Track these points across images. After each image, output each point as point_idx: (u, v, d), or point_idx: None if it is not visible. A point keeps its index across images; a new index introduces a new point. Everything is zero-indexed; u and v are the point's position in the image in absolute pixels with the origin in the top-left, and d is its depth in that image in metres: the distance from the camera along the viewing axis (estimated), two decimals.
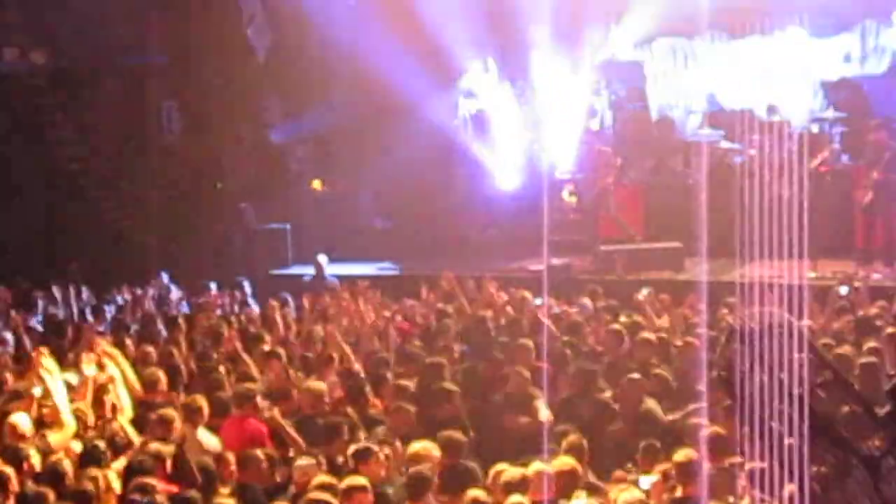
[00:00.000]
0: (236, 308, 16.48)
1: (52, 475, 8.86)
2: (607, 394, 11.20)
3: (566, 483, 8.57)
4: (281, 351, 12.74)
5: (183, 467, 9.24)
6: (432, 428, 9.94)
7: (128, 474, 8.95)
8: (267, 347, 12.88)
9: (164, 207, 21.49)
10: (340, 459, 9.40)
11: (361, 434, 10.09)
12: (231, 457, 9.39)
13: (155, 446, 9.36)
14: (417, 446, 9.19)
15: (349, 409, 10.72)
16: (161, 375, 11.31)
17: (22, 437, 9.45)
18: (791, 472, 5.97)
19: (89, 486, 8.52)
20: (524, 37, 21.65)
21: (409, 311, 15.20)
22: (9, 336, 13.89)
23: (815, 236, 7.07)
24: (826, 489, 6.43)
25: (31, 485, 8.70)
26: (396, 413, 10.37)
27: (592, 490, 8.71)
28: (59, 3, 21.68)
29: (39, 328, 15.02)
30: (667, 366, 11.83)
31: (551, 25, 21.15)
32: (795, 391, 6.17)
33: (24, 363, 12.00)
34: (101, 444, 9.38)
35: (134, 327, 14.83)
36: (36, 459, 9.04)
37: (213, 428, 10.48)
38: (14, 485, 8.53)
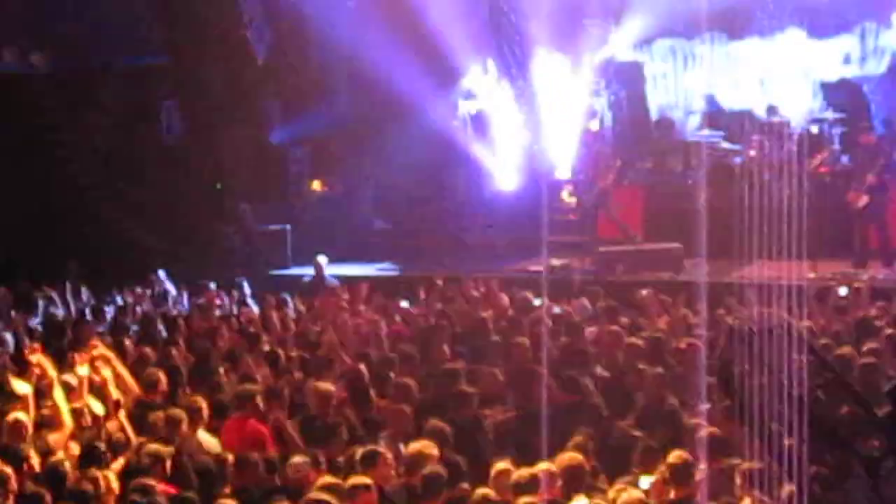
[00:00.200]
0: (235, 309, 16.47)
1: (51, 476, 8.86)
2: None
3: (573, 479, 8.58)
4: (280, 352, 12.76)
5: (183, 468, 9.25)
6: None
7: (127, 475, 8.95)
8: (266, 347, 12.88)
9: (163, 208, 21.47)
10: (340, 460, 9.39)
11: (361, 436, 10.08)
12: (230, 458, 9.40)
13: (154, 447, 9.36)
14: (417, 446, 9.19)
15: (347, 411, 10.72)
16: (161, 376, 11.30)
17: (21, 438, 9.45)
18: (790, 473, 5.98)
19: (89, 487, 8.52)
20: (524, 38, 21.65)
21: (405, 313, 15.17)
22: (9, 337, 13.88)
23: (815, 237, 7.08)
24: (825, 489, 6.44)
25: (30, 485, 8.70)
26: (396, 416, 10.35)
27: (593, 491, 8.71)
28: (59, 3, 21.67)
29: (39, 329, 15.01)
30: (661, 368, 11.80)
31: (551, 26, 21.15)
32: (795, 392, 6.18)
33: (23, 364, 11.99)
34: (101, 445, 9.38)
35: (133, 328, 14.82)
36: (35, 460, 9.05)
37: (213, 429, 10.48)
38: (13, 485, 8.53)
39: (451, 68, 21.84)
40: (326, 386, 11.05)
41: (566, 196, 20.54)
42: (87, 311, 16.00)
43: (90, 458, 9.17)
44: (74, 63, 22.06)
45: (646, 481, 8.67)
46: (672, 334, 13.09)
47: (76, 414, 9.97)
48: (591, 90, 21.82)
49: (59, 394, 9.97)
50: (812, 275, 16.09)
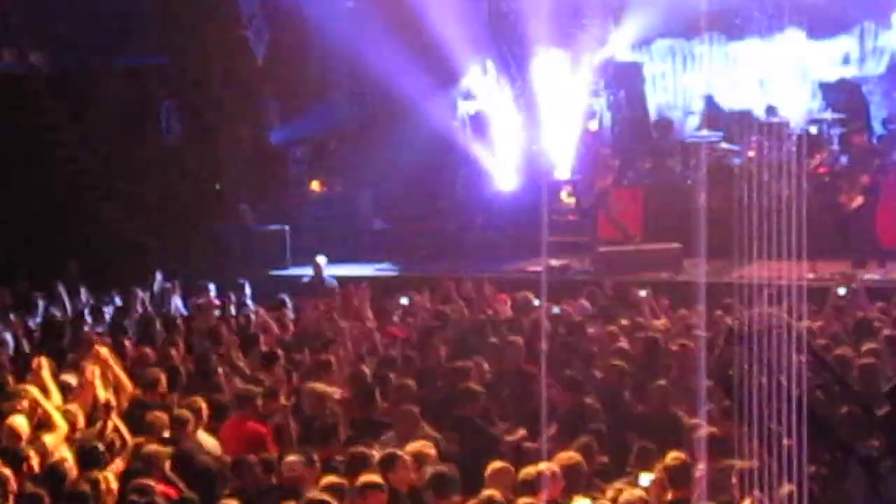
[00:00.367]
0: (235, 309, 16.46)
1: (50, 477, 8.86)
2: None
3: (573, 478, 8.59)
4: (279, 352, 12.76)
5: (183, 469, 9.25)
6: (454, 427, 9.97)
7: (126, 476, 8.96)
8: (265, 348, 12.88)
9: (162, 208, 21.48)
10: (338, 459, 9.40)
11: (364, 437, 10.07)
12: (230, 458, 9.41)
13: (153, 448, 9.36)
14: (416, 446, 9.19)
15: (337, 411, 10.72)
16: (161, 376, 11.30)
17: (19, 439, 9.45)
18: (789, 473, 5.99)
19: (88, 488, 8.52)
20: (523, 38, 21.65)
21: (403, 315, 15.17)
22: (8, 337, 13.88)
23: (814, 237, 7.08)
24: (824, 490, 6.45)
25: (30, 486, 8.70)
26: (403, 417, 10.33)
27: (592, 490, 8.72)
28: (59, 3, 21.67)
29: (38, 329, 15.01)
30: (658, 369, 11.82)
31: (550, 26, 21.15)
32: (794, 392, 6.18)
33: (22, 364, 12.00)
34: (100, 446, 9.38)
35: (132, 328, 14.82)
36: (35, 461, 9.05)
37: (212, 430, 10.48)
38: (13, 486, 8.54)
39: (451, 68, 21.84)
40: (322, 387, 11.05)
41: (565, 196, 20.54)
42: (87, 311, 16.00)
43: (89, 459, 9.17)
44: (74, 63, 22.07)
45: (645, 479, 8.68)
46: (671, 335, 13.10)
47: (71, 415, 9.96)
48: (591, 90, 21.83)
49: (56, 396, 9.97)
50: (811, 275, 16.10)
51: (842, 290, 14.95)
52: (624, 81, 22.62)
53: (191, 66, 22.27)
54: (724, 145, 20.36)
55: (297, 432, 10.26)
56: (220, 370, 12.01)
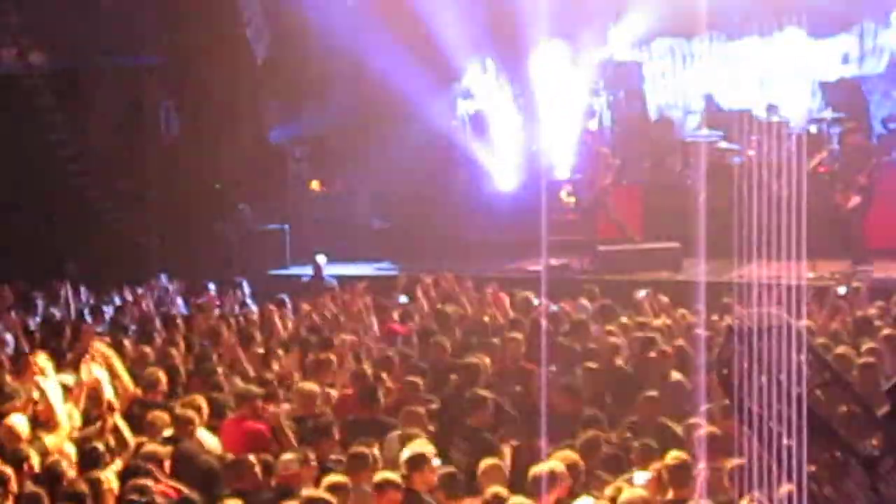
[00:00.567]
0: (235, 308, 16.48)
1: (50, 476, 8.86)
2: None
3: (575, 477, 8.60)
4: (279, 351, 12.76)
5: (183, 469, 9.25)
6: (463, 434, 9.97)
7: (125, 475, 8.95)
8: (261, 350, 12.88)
9: (162, 208, 21.49)
10: (333, 458, 9.41)
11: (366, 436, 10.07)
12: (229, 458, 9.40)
13: (153, 447, 9.36)
14: (420, 446, 9.19)
15: (327, 410, 10.72)
16: (161, 375, 11.30)
17: (19, 439, 9.45)
18: (789, 473, 5.98)
19: (88, 488, 8.52)
20: (523, 37, 21.65)
21: (403, 313, 15.18)
22: (8, 337, 13.89)
23: (814, 237, 7.07)
24: (824, 489, 6.43)
25: (30, 485, 8.70)
26: (411, 417, 10.32)
27: (592, 489, 8.73)
28: (59, 3, 21.67)
29: (38, 329, 15.01)
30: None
31: (550, 26, 21.15)
32: (794, 392, 6.17)
33: (22, 364, 11.99)
34: (100, 446, 9.38)
35: (132, 328, 14.83)
36: (35, 460, 9.05)
37: (213, 429, 10.48)
38: (14, 486, 8.54)
39: (450, 68, 21.86)
40: (311, 386, 11.06)
41: (565, 195, 20.55)
42: (86, 310, 16.01)
43: (89, 458, 9.17)
44: (74, 63, 22.08)
45: (641, 477, 8.69)
46: (670, 334, 13.10)
47: (71, 415, 9.96)
48: (591, 90, 21.84)
49: (57, 395, 9.97)
50: (811, 274, 16.11)
51: (842, 290, 14.96)
52: (624, 80, 22.63)
53: (191, 66, 22.27)
54: (724, 144, 20.37)
55: (293, 431, 10.27)
56: (219, 370, 12.01)
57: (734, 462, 7.87)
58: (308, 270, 19.11)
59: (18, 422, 9.64)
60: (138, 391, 11.06)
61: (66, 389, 10.34)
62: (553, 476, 8.42)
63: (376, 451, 9.30)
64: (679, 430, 9.82)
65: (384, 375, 11.58)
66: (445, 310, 14.61)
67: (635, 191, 21.02)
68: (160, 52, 22.39)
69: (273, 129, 23.19)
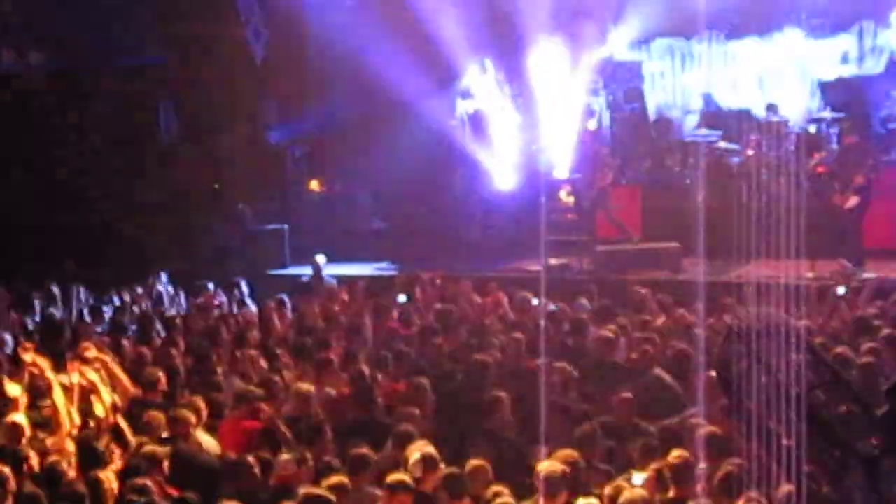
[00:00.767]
0: (234, 308, 16.47)
1: (49, 476, 8.86)
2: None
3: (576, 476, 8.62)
4: (278, 351, 12.76)
5: (182, 469, 9.25)
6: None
7: (125, 475, 8.95)
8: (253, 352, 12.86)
9: (161, 208, 21.48)
10: (326, 459, 9.41)
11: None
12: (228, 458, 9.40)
13: (152, 448, 9.36)
14: (419, 446, 9.19)
15: (320, 411, 10.73)
16: (161, 375, 11.31)
17: (19, 439, 9.45)
18: (788, 472, 5.98)
19: (86, 488, 8.52)
20: (522, 37, 21.65)
21: (402, 313, 15.18)
22: (8, 337, 13.88)
23: (813, 236, 7.09)
24: (823, 489, 6.44)
25: (29, 486, 8.70)
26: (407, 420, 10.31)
27: (592, 488, 8.74)
28: (59, 3, 21.67)
29: (37, 329, 15.00)
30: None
31: (549, 26, 21.15)
32: (793, 391, 6.18)
33: (21, 364, 11.98)
34: (100, 446, 9.38)
35: (132, 328, 14.82)
36: (35, 460, 9.05)
37: (211, 428, 10.48)
38: (13, 485, 8.53)
39: (449, 68, 21.84)
40: (307, 386, 11.05)
41: (564, 195, 20.53)
42: (86, 310, 16.01)
43: (89, 458, 9.17)
44: (72, 63, 22.07)
45: (639, 477, 8.70)
46: (669, 334, 13.11)
47: (71, 415, 9.96)
48: (590, 89, 21.82)
49: (57, 395, 9.97)
50: (810, 274, 16.11)
51: (841, 290, 14.96)
52: (623, 80, 22.63)
53: (190, 67, 22.26)
54: (723, 144, 20.36)
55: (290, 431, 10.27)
56: (219, 370, 12.01)
57: (734, 462, 7.88)
58: (308, 270, 19.10)
59: (19, 421, 9.64)
60: (138, 391, 11.06)
61: (65, 389, 10.33)
62: (558, 476, 8.44)
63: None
64: (653, 429, 9.88)
65: (380, 376, 11.60)
66: (446, 309, 14.62)
67: (635, 190, 21.02)
68: (160, 53, 22.39)
69: (272, 129, 23.17)
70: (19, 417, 9.71)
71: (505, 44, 22.15)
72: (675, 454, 8.66)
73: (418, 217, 21.64)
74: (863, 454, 6.48)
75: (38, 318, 15.70)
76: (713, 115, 21.42)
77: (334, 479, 8.59)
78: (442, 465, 8.90)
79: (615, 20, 22.23)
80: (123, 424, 10.03)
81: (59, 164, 21.48)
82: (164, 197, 21.56)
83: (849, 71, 21.78)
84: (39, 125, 21.49)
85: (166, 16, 22.17)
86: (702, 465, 8.47)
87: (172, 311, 16.25)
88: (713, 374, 8.00)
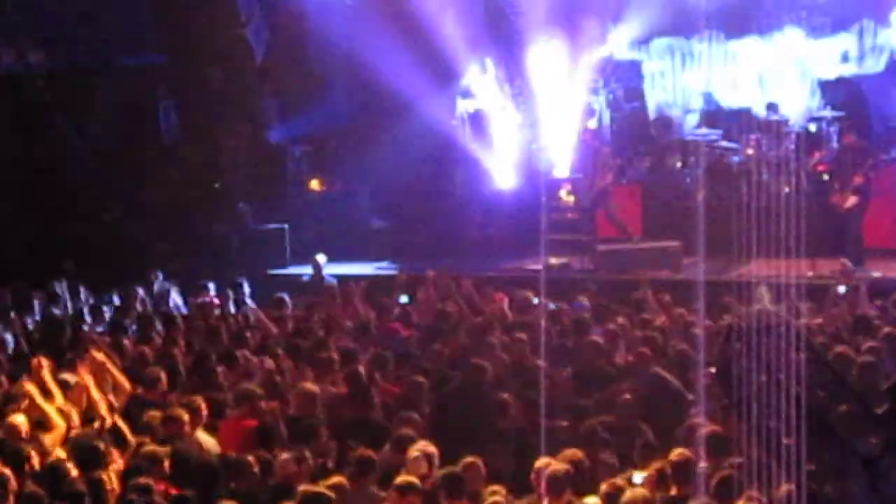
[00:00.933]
0: (234, 308, 16.46)
1: (50, 476, 8.86)
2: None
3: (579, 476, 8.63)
4: (278, 351, 12.76)
5: (182, 468, 9.25)
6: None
7: (125, 475, 8.96)
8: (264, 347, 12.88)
9: (162, 207, 21.47)
10: (320, 460, 9.42)
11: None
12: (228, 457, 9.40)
13: (152, 447, 9.36)
14: (420, 446, 9.19)
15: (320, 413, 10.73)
16: (161, 374, 11.31)
17: (19, 439, 9.45)
18: (789, 472, 5.98)
19: (87, 488, 8.53)
20: (522, 36, 21.65)
21: (402, 312, 15.17)
22: (8, 337, 13.88)
23: (814, 235, 7.09)
24: (823, 488, 6.44)
25: (30, 485, 8.71)
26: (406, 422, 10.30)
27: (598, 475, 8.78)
28: (59, 3, 21.66)
29: (37, 329, 15.00)
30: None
31: (549, 25, 21.15)
32: (794, 391, 6.18)
33: (21, 364, 11.99)
34: (101, 446, 9.38)
35: (132, 328, 14.82)
36: (36, 460, 9.05)
37: (211, 428, 10.48)
38: (13, 485, 8.54)
39: (450, 67, 21.83)
40: (311, 386, 11.05)
41: (565, 195, 20.53)
42: (86, 310, 16.00)
43: (89, 458, 9.17)
44: (72, 62, 22.06)
45: (639, 477, 8.70)
46: (669, 334, 13.11)
47: (68, 415, 9.95)
48: (590, 89, 21.82)
49: (54, 394, 9.97)
50: (810, 273, 16.10)
51: (842, 289, 14.95)
52: (623, 79, 22.62)
53: (190, 66, 22.26)
54: (724, 143, 20.35)
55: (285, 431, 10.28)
56: (219, 369, 12.01)
57: (734, 461, 7.89)
58: (308, 270, 19.09)
59: (19, 421, 9.64)
60: (138, 391, 11.06)
61: (66, 388, 10.34)
62: (562, 476, 8.46)
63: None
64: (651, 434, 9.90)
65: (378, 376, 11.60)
66: (447, 309, 14.61)
67: (635, 190, 21.02)
68: (160, 52, 22.38)
69: (273, 128, 23.16)
70: (20, 417, 9.70)
71: (505, 43, 22.15)
72: (676, 453, 8.67)
73: (418, 216, 21.64)
74: (863, 454, 6.48)
75: (37, 318, 15.70)
76: (713, 114, 21.42)
77: (334, 478, 8.60)
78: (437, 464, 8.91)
79: (615, 19, 22.21)
80: (122, 424, 10.03)
81: (60, 163, 21.47)
82: (164, 197, 21.56)
83: (849, 70, 21.76)
84: (39, 124, 21.48)
85: (166, 16, 22.17)
86: (702, 464, 8.48)
87: (173, 311, 16.23)
88: (713, 372, 8.02)
